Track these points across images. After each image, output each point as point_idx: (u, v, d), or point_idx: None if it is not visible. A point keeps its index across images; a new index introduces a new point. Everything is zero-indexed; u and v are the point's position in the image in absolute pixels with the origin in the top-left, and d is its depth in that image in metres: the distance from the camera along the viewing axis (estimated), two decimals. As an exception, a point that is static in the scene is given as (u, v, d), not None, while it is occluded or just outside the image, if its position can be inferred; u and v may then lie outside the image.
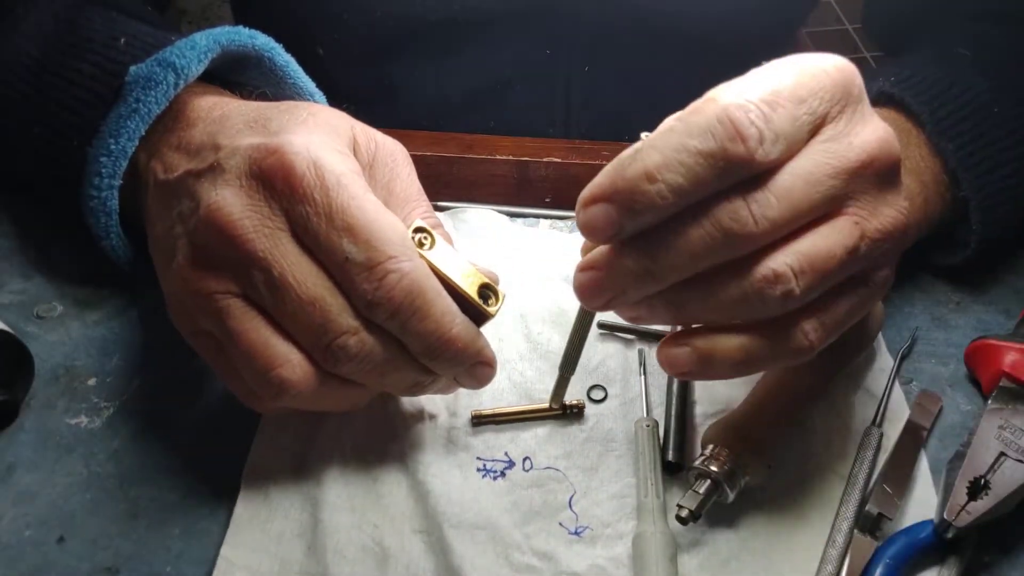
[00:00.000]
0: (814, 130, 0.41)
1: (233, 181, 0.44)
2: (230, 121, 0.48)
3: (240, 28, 0.53)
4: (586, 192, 0.40)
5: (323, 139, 0.45)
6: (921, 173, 0.55)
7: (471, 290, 0.46)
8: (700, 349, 0.42)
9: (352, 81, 0.58)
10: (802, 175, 0.40)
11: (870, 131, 0.42)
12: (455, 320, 0.44)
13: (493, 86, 0.78)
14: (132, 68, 0.50)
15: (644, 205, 0.38)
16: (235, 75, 0.56)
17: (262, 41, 0.54)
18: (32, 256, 0.60)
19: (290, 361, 0.43)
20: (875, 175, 0.42)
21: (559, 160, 0.66)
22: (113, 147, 0.50)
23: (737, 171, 0.38)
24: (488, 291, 0.47)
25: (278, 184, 0.43)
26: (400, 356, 0.45)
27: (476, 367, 0.47)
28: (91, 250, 0.55)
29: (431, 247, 0.45)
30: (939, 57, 0.60)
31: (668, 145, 0.38)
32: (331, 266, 0.43)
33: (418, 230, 0.45)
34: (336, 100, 0.59)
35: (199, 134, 0.48)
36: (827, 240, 0.40)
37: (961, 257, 0.58)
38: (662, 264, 0.39)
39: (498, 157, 0.66)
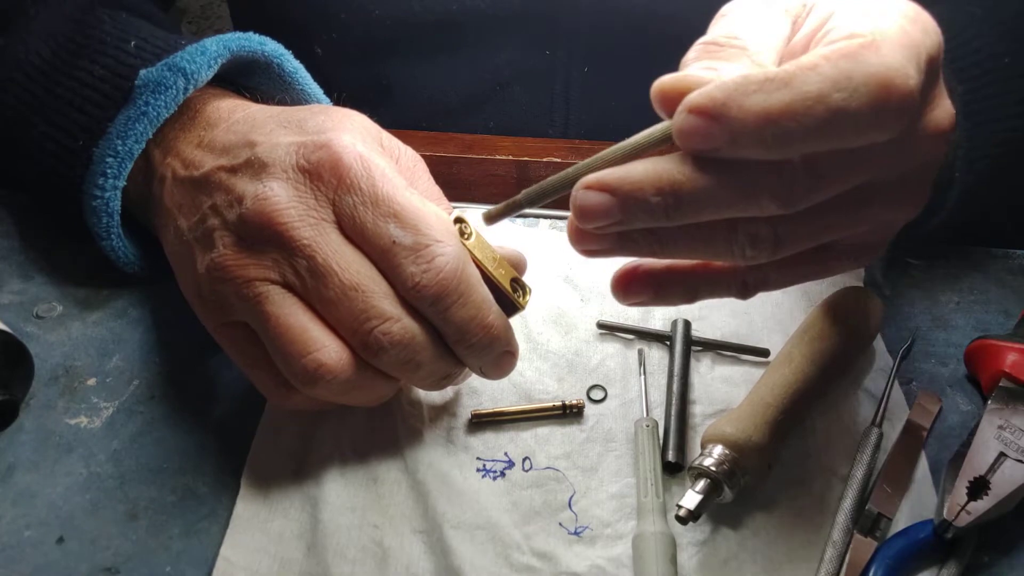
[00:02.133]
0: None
1: (279, 174, 0.45)
2: (258, 122, 0.49)
3: (250, 34, 0.54)
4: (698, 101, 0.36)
5: (363, 138, 0.47)
6: None
7: (504, 282, 0.47)
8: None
9: (351, 81, 0.59)
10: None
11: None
12: (492, 307, 0.46)
13: (492, 86, 0.78)
14: (142, 71, 0.51)
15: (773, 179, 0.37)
16: (243, 79, 0.56)
17: (271, 47, 0.55)
18: (32, 256, 0.60)
19: (327, 346, 0.44)
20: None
21: (559, 160, 0.66)
22: (120, 148, 0.50)
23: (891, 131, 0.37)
24: (518, 285, 0.48)
25: (326, 175, 0.44)
26: (436, 345, 0.45)
27: (503, 356, 0.48)
28: (91, 250, 0.55)
29: (468, 237, 0.46)
30: (951, 12, 0.58)
31: (811, 93, 0.35)
32: (376, 253, 0.44)
33: (458, 220, 0.46)
34: (335, 100, 0.59)
35: (224, 134, 0.49)
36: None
37: (940, 216, 0.57)
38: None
39: (498, 157, 0.66)
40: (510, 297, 0.47)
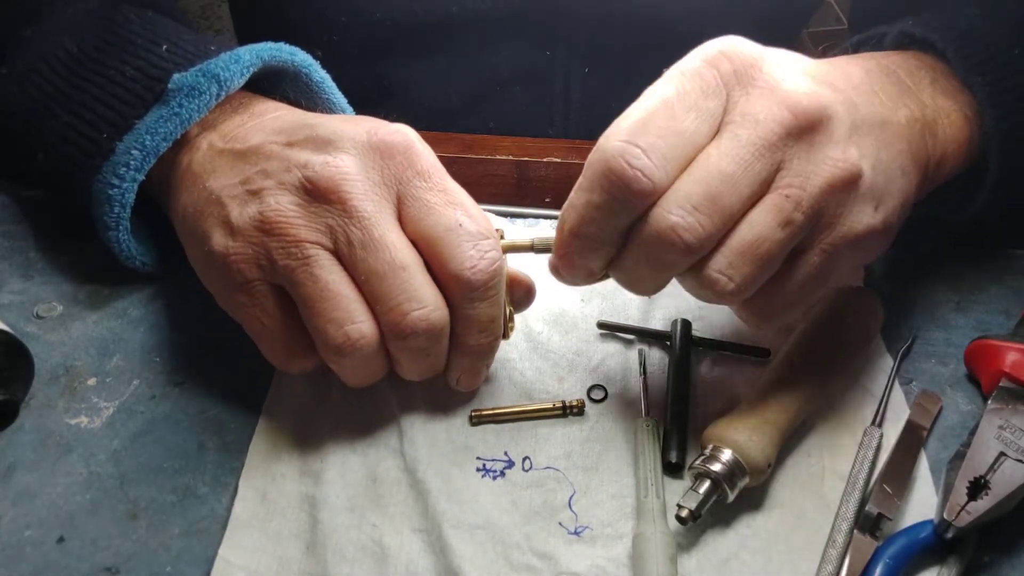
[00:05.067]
0: (720, 120, 0.43)
1: (349, 149, 0.47)
2: (308, 116, 0.51)
3: (281, 45, 0.55)
4: (552, 256, 0.47)
5: None
6: (939, 123, 0.53)
7: (507, 306, 0.50)
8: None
9: (351, 82, 0.59)
10: (719, 176, 0.42)
11: (773, 100, 0.43)
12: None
13: (492, 87, 0.78)
14: (176, 76, 0.52)
15: (588, 250, 0.44)
16: (267, 86, 0.57)
17: (301, 58, 0.56)
18: (32, 256, 0.60)
19: (366, 320, 0.45)
20: (795, 138, 0.43)
21: (559, 160, 0.66)
22: (148, 143, 0.51)
23: (635, 205, 0.42)
24: (510, 315, 0.51)
25: (399, 156, 0.47)
26: (448, 340, 0.48)
27: (486, 367, 0.51)
28: (92, 250, 0.55)
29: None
30: (950, 11, 0.58)
31: (578, 203, 0.43)
32: (439, 231, 0.46)
33: (497, 229, 0.48)
34: None
35: (273, 121, 0.51)
36: (755, 227, 0.42)
37: (971, 209, 0.56)
38: (632, 282, 0.45)
39: (498, 157, 0.66)
40: (506, 324, 0.50)
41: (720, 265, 0.42)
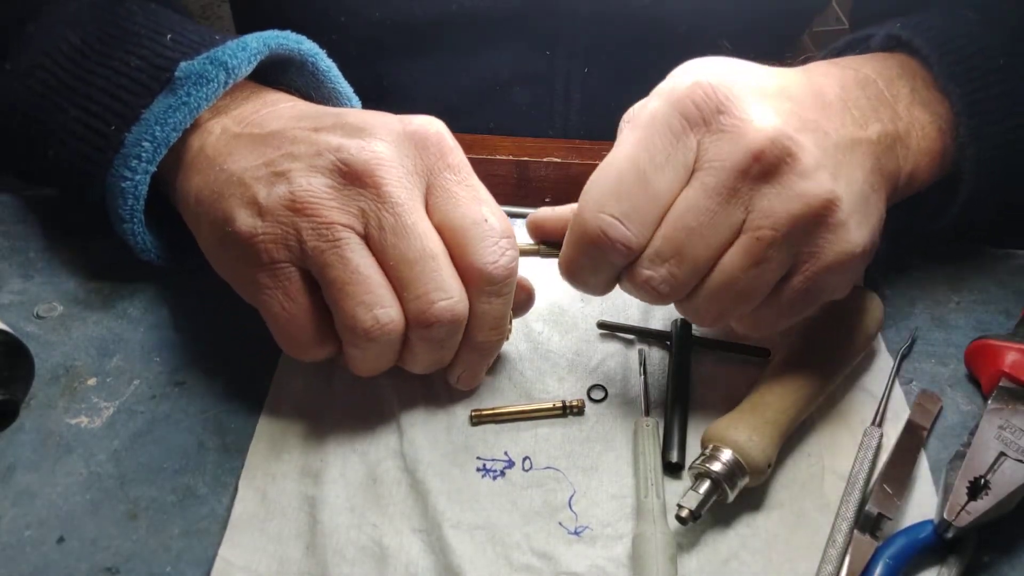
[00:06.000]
0: (692, 165, 0.45)
1: (385, 136, 0.47)
2: (325, 107, 0.51)
3: (288, 33, 0.55)
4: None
5: None
6: (912, 135, 0.53)
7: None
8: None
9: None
10: (684, 231, 0.44)
11: (737, 145, 0.44)
12: None
13: (492, 87, 0.78)
14: (183, 64, 0.52)
15: (589, 288, 0.48)
16: (272, 77, 0.57)
17: (308, 46, 0.56)
18: (32, 256, 0.60)
19: (394, 306, 0.46)
20: (759, 180, 0.44)
21: (559, 160, 0.66)
22: (158, 134, 0.51)
23: (617, 265, 0.46)
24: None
25: (432, 147, 0.47)
26: (462, 333, 0.48)
27: (487, 366, 0.52)
28: (92, 249, 0.55)
29: None
30: (946, 14, 0.58)
31: (569, 257, 0.47)
32: (466, 223, 0.46)
33: None
34: None
35: (290, 109, 0.51)
36: (727, 270, 0.45)
37: (946, 219, 0.57)
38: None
39: (498, 157, 0.66)
40: (507, 324, 0.50)
41: (697, 304, 0.46)
